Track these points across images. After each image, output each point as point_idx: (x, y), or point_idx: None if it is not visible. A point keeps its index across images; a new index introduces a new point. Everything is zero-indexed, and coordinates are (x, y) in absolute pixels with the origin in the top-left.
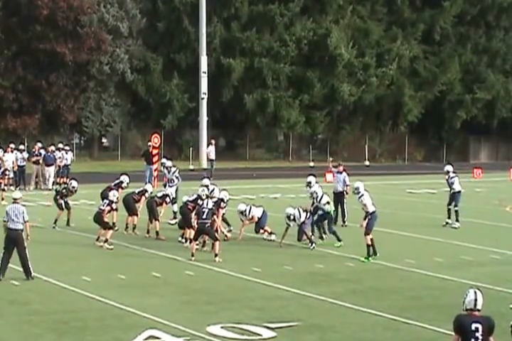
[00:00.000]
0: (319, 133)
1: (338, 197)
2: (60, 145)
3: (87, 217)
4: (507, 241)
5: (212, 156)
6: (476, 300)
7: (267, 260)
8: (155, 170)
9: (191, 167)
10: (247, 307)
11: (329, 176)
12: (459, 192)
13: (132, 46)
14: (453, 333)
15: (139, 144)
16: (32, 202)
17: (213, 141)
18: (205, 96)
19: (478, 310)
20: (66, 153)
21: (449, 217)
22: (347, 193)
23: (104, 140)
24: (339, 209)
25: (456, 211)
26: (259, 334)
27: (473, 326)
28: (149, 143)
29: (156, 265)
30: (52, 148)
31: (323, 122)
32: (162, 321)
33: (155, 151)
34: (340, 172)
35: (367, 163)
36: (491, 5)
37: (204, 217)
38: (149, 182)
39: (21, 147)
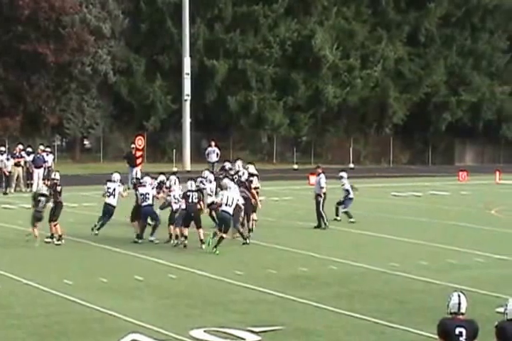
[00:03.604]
0: (303, 135)
1: (316, 199)
2: (41, 147)
3: (68, 220)
4: (491, 245)
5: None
6: (459, 303)
7: (250, 263)
8: None
9: (175, 169)
10: (230, 310)
11: (313, 178)
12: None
13: (115, 47)
14: (437, 337)
15: (121, 146)
16: (13, 205)
17: (213, 143)
18: (189, 98)
19: (462, 314)
20: (47, 155)
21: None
22: (320, 196)
23: (86, 142)
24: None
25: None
26: (242, 338)
27: (457, 330)
28: (132, 145)
29: (138, 268)
30: (42, 147)
31: (308, 124)
32: (144, 325)
33: (139, 153)
34: (318, 175)
35: (351, 165)
36: (476, 7)
37: (191, 200)
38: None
39: (2, 149)
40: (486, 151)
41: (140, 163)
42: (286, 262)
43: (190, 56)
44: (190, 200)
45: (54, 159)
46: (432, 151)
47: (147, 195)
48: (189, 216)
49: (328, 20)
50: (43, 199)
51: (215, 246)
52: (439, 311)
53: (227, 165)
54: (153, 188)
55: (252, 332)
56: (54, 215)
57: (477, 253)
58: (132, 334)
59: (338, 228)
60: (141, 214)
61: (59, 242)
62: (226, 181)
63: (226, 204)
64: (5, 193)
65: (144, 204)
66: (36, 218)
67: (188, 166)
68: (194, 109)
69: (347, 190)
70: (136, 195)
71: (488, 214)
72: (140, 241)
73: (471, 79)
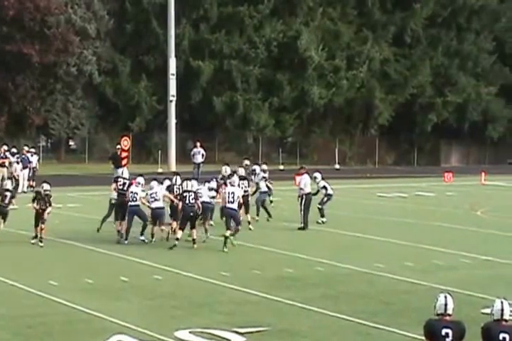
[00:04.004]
0: (289, 136)
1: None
2: (26, 148)
3: (54, 221)
4: (477, 246)
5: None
6: (446, 304)
7: (236, 264)
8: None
9: (160, 170)
10: (215, 311)
11: (298, 179)
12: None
13: (100, 48)
14: (423, 337)
15: (106, 147)
16: None
17: (198, 144)
18: (174, 99)
19: (449, 315)
20: (32, 155)
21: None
22: (300, 197)
23: (71, 142)
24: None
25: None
26: (228, 339)
27: (444, 331)
28: (118, 146)
29: (123, 269)
30: (26, 148)
31: (293, 125)
32: (130, 326)
33: (124, 154)
34: (301, 175)
35: (337, 166)
36: (462, 7)
37: (187, 201)
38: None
39: None
40: (471, 152)
41: (125, 164)
42: (271, 263)
43: (176, 57)
44: (186, 201)
45: (39, 160)
46: (418, 152)
47: (135, 195)
48: (186, 217)
49: (314, 21)
50: (8, 194)
51: (232, 243)
52: (425, 312)
53: (246, 162)
54: (143, 190)
55: (238, 333)
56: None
57: (463, 254)
58: (117, 335)
59: (324, 229)
60: (127, 213)
61: (42, 244)
62: (234, 178)
63: (229, 202)
64: None
65: (132, 203)
66: (1, 213)
67: (173, 167)
68: (179, 109)
69: (324, 187)
70: (127, 193)
71: (473, 215)
72: (126, 241)
73: (456, 80)
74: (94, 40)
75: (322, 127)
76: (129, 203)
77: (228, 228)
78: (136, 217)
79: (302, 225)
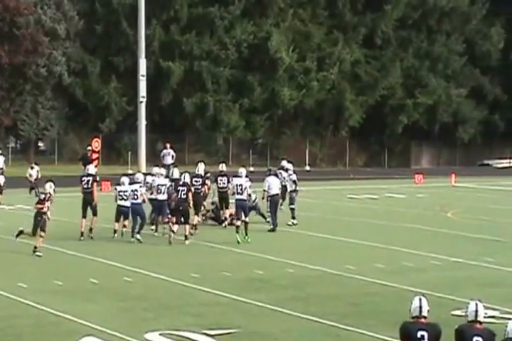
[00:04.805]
0: (259, 137)
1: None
2: None
3: (22, 223)
4: (447, 247)
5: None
6: (420, 307)
7: (206, 265)
8: None
9: (130, 171)
10: (185, 313)
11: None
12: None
13: (70, 48)
14: (393, 339)
15: (76, 148)
16: None
17: (168, 145)
18: (144, 100)
19: (425, 317)
20: None
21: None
22: (263, 198)
23: (40, 144)
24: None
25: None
26: None
27: (419, 334)
28: (88, 147)
29: (93, 271)
30: None
31: (264, 126)
32: (99, 328)
33: (95, 155)
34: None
35: (307, 167)
36: (432, 9)
37: (179, 196)
38: None
39: None
40: (441, 154)
41: (96, 166)
42: (242, 265)
43: (146, 58)
44: (179, 196)
45: (6, 161)
46: (388, 154)
47: (135, 193)
48: (177, 211)
49: (285, 22)
50: None
51: (246, 234)
52: (395, 314)
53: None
54: (141, 187)
55: (208, 335)
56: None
57: (433, 256)
58: (87, 337)
59: (294, 231)
60: (130, 212)
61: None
62: (241, 170)
63: (237, 193)
64: None
65: (134, 202)
66: None
67: (143, 168)
68: (150, 111)
69: (294, 181)
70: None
71: (443, 217)
72: (132, 239)
73: (427, 82)
74: (63, 40)
75: (293, 128)
76: (132, 201)
77: (239, 218)
78: (134, 216)
79: (272, 227)
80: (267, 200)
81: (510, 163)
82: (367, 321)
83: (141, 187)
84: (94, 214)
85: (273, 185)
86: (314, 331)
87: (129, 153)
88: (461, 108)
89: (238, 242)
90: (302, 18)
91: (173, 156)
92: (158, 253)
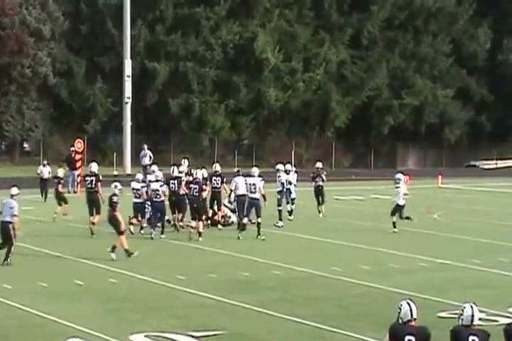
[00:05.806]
0: (245, 138)
1: None
2: None
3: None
4: (434, 249)
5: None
6: (411, 310)
7: (191, 267)
8: (78, 176)
9: (115, 172)
10: (171, 315)
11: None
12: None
13: (55, 49)
14: None
15: (61, 149)
16: None
17: (145, 146)
18: (129, 101)
19: (415, 319)
20: None
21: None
22: (229, 196)
23: (25, 144)
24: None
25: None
26: None
27: (407, 338)
28: (72, 148)
29: (78, 272)
30: None
31: (249, 127)
32: (84, 329)
33: (78, 156)
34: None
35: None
36: (419, 10)
37: (191, 193)
38: (72, 187)
39: None
40: (428, 155)
41: (80, 166)
42: (227, 266)
43: (131, 58)
44: (191, 193)
45: None
46: (375, 155)
47: (137, 192)
48: (192, 207)
49: (270, 22)
50: None
51: (259, 234)
52: (381, 316)
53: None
54: (142, 186)
55: (193, 336)
56: None
57: (419, 258)
58: (72, 338)
59: (281, 232)
60: (133, 210)
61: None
62: (254, 169)
63: (251, 192)
64: None
65: (136, 200)
66: None
67: (128, 169)
68: (135, 111)
69: (282, 183)
70: (147, 191)
71: (430, 218)
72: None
73: (413, 83)
74: (49, 41)
75: (278, 129)
76: (134, 200)
77: (247, 216)
78: (135, 213)
79: (241, 227)
80: (234, 200)
81: (496, 164)
82: (353, 323)
83: (161, 186)
84: (98, 212)
85: (240, 185)
86: (300, 333)
87: (114, 154)
88: (448, 109)
89: (239, 238)
90: (288, 19)
91: (150, 157)
92: (144, 254)
